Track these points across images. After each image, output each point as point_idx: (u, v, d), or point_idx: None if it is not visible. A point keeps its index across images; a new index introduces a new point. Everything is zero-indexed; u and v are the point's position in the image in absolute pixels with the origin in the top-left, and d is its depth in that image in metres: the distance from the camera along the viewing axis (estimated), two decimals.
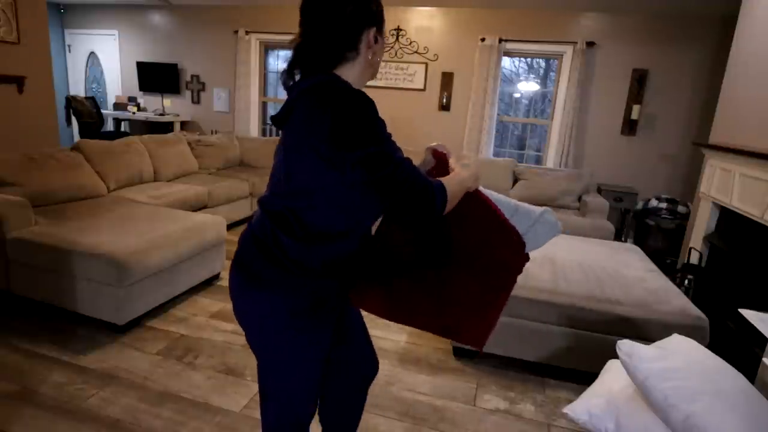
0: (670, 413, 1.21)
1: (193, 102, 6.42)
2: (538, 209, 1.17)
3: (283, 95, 0.99)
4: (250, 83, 6.03)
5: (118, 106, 6.63)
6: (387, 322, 2.44)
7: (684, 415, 1.18)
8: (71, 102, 6.01)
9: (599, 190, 4.77)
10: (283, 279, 1.02)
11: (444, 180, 1.02)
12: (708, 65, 4.50)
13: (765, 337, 1.51)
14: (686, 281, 3.12)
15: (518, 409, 2.06)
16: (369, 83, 1.11)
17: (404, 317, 1.20)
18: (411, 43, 5.32)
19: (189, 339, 2.43)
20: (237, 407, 1.93)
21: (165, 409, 1.89)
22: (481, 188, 1.15)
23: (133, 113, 6.40)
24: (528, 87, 5.76)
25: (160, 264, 2.49)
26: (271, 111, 6.35)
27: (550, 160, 5.15)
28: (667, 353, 1.35)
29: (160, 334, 2.45)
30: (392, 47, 5.37)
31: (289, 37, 1.06)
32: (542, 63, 5.56)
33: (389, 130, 0.98)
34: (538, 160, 5.52)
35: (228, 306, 2.72)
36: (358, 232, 1.08)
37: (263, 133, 6.36)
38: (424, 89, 5.38)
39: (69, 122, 6.22)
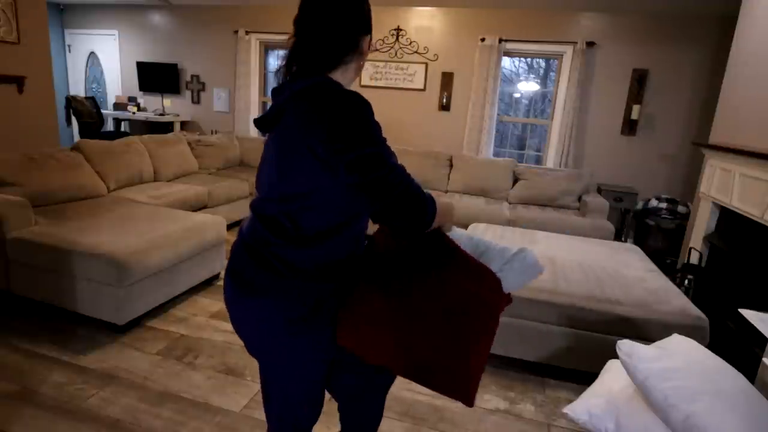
0: (670, 413, 1.21)
1: (193, 102, 6.42)
2: (514, 248, 1.10)
3: None
4: (250, 83, 6.03)
5: (118, 106, 6.63)
6: None
7: (684, 415, 1.18)
8: (71, 102, 6.01)
9: (599, 190, 4.77)
10: (276, 284, 1.02)
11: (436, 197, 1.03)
12: (708, 65, 4.50)
13: (765, 337, 1.51)
14: (686, 281, 3.12)
15: (518, 409, 2.06)
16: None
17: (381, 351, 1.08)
18: (411, 43, 5.32)
19: (189, 339, 2.43)
20: (237, 407, 1.93)
21: (165, 409, 1.89)
22: (453, 230, 1.14)
23: (133, 113, 6.40)
24: (528, 87, 5.76)
25: (160, 264, 2.49)
26: None
27: (550, 160, 5.15)
28: (667, 353, 1.36)
29: (160, 334, 2.45)
30: (392, 47, 5.37)
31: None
32: (542, 63, 5.56)
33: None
34: (538, 160, 5.52)
35: None
36: (352, 234, 1.07)
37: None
38: (424, 89, 5.38)
39: (69, 122, 6.22)
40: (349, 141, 0.91)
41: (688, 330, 1.97)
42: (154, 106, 6.57)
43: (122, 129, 6.71)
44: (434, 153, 4.86)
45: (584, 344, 2.19)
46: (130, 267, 2.29)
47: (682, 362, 1.31)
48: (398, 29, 5.33)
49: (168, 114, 6.37)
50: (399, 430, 1.86)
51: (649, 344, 1.45)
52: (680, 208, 4.33)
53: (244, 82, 5.99)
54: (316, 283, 1.04)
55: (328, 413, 1.51)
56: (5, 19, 3.83)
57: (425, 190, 0.99)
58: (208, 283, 3.07)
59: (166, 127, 6.18)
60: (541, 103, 5.61)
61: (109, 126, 6.66)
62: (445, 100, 5.33)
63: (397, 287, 1.07)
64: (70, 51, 7.04)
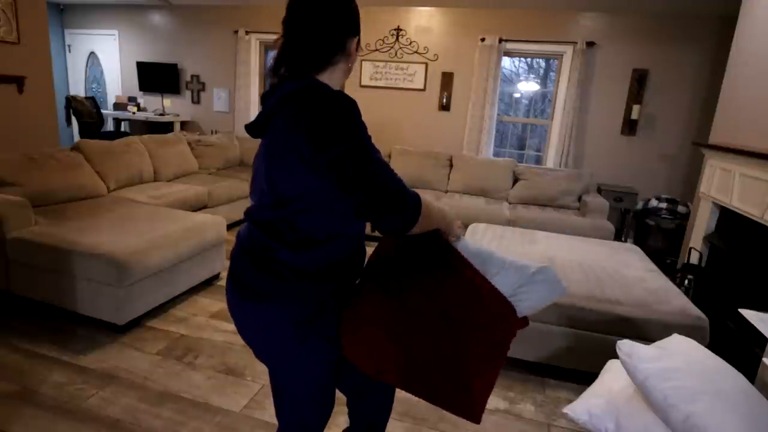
0: (670, 413, 1.21)
1: (193, 102, 6.42)
2: (534, 265, 1.00)
3: None
4: (250, 83, 6.03)
5: (118, 106, 6.63)
6: None
7: (684, 415, 1.18)
8: (71, 102, 6.01)
9: (599, 190, 4.77)
10: (278, 288, 1.02)
11: (425, 199, 0.98)
12: (708, 65, 4.50)
13: (765, 337, 1.51)
14: (686, 281, 3.12)
15: (518, 409, 2.06)
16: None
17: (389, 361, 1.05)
18: (411, 43, 5.32)
19: (189, 339, 2.43)
20: (237, 407, 1.93)
21: (165, 409, 1.89)
22: (462, 241, 1.07)
23: (133, 113, 6.40)
24: (528, 87, 5.76)
25: (160, 264, 2.49)
26: None
27: (550, 160, 5.15)
28: (667, 353, 1.35)
29: (160, 334, 2.45)
30: (392, 47, 5.37)
31: None
32: (542, 63, 5.57)
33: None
34: (538, 160, 5.51)
35: None
36: (351, 234, 1.07)
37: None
38: (424, 89, 5.38)
39: (69, 122, 6.22)
40: (330, 139, 0.90)
41: (688, 330, 1.97)
42: (154, 106, 6.57)
43: (122, 129, 6.71)
44: (434, 153, 4.85)
45: (584, 344, 2.19)
46: (130, 267, 2.29)
47: (682, 362, 1.31)
48: (398, 29, 5.33)
49: (168, 114, 6.37)
50: (399, 430, 1.86)
51: (649, 344, 1.45)
52: (680, 208, 4.33)
53: (244, 82, 5.99)
54: (317, 284, 1.04)
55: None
56: (5, 19, 3.83)
57: (414, 190, 0.97)
58: (208, 283, 3.07)
59: (166, 127, 6.18)
60: (541, 103, 5.62)
61: (109, 126, 6.66)
62: (445, 100, 5.33)
63: (396, 288, 1.07)
64: (70, 51, 7.04)
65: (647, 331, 2.09)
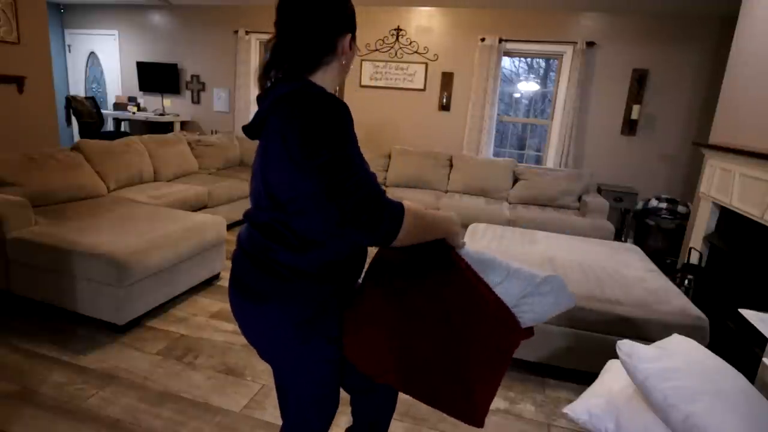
0: (670, 413, 1.21)
1: (193, 102, 6.42)
2: (541, 274, 0.96)
3: None
4: (250, 83, 6.02)
5: (118, 106, 6.64)
6: None
7: (684, 415, 1.18)
8: (71, 102, 6.01)
9: (599, 190, 4.77)
10: (280, 288, 1.02)
11: (413, 208, 0.95)
12: (708, 65, 4.50)
13: (765, 337, 1.51)
14: (686, 281, 3.12)
15: (518, 409, 2.06)
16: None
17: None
18: (411, 43, 5.32)
19: (189, 339, 2.43)
20: (237, 407, 1.93)
21: (165, 409, 1.89)
22: (465, 248, 1.05)
23: (133, 113, 6.40)
24: (528, 87, 5.76)
25: (160, 264, 2.49)
26: None
27: (550, 160, 5.15)
28: (667, 353, 1.35)
29: (160, 334, 2.45)
30: (392, 47, 5.37)
31: None
32: (542, 63, 5.57)
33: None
34: (538, 160, 5.52)
35: (228, 306, 2.72)
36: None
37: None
38: (424, 89, 5.38)
39: (69, 122, 6.22)
40: (320, 143, 0.89)
41: (688, 330, 1.97)
42: (154, 106, 6.57)
43: (122, 129, 6.71)
44: (434, 153, 4.85)
45: (584, 344, 2.19)
46: (130, 267, 2.29)
47: (682, 362, 1.31)
48: (398, 29, 5.33)
49: (168, 114, 6.37)
50: (399, 430, 1.86)
51: (649, 344, 1.45)
52: (680, 208, 4.33)
53: (244, 82, 5.99)
54: (317, 285, 1.04)
55: None
56: (5, 19, 3.83)
57: (402, 201, 0.94)
58: (208, 283, 3.07)
59: (166, 127, 6.18)
60: (541, 103, 5.62)
61: (109, 126, 6.66)
62: (445, 100, 5.33)
63: (398, 289, 1.07)
64: (70, 51, 7.04)
65: (647, 331, 2.09)
